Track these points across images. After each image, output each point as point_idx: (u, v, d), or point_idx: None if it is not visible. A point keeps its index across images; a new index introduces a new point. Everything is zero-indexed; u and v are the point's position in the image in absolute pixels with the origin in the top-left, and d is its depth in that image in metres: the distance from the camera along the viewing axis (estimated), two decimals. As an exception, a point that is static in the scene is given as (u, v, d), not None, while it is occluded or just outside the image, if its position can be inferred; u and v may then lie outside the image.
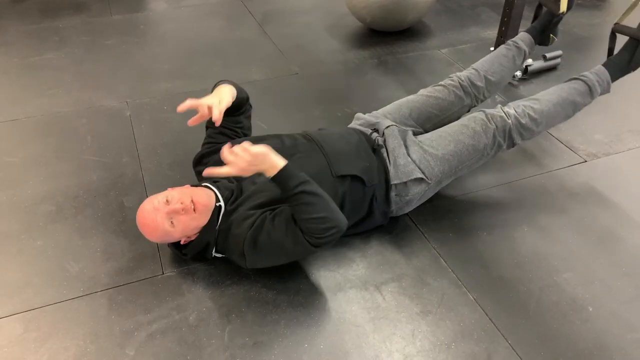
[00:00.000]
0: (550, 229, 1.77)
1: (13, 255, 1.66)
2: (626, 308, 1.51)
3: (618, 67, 1.93)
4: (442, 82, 1.98)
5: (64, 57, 2.81)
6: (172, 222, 1.46)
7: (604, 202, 1.89)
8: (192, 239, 1.53)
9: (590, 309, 1.51)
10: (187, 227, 1.48)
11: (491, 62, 2.05)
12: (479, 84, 1.97)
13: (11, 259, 1.65)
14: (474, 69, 2.02)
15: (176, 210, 1.44)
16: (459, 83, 1.96)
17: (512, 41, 2.12)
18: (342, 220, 1.42)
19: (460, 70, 2.71)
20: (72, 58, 2.80)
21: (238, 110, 1.73)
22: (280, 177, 1.39)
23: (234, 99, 1.60)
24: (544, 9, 2.16)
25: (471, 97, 1.96)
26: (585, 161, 2.09)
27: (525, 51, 2.10)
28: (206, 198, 1.51)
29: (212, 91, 1.61)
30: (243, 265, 1.51)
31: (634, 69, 1.93)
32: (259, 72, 2.70)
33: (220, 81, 1.64)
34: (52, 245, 1.69)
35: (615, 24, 1.97)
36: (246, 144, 1.36)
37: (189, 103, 1.46)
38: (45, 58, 2.80)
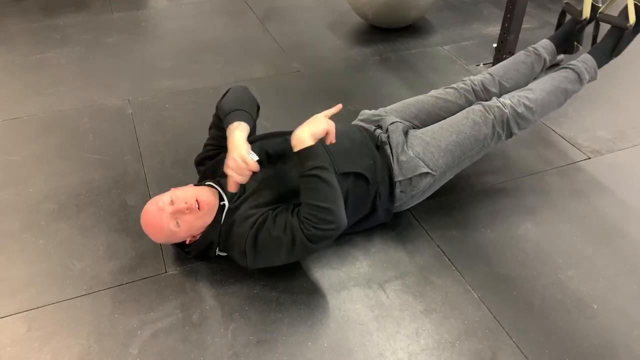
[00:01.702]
0: (554, 226, 1.77)
1: (15, 254, 1.66)
2: (631, 305, 1.51)
3: (603, 54, 1.97)
4: (454, 85, 1.95)
5: (65, 55, 2.81)
6: (177, 223, 1.45)
7: (608, 198, 1.88)
8: (197, 238, 1.52)
9: (595, 306, 1.50)
10: (193, 226, 1.48)
11: (507, 68, 2.01)
12: (492, 89, 1.94)
13: (13, 257, 1.64)
14: (489, 73, 1.98)
15: (181, 209, 1.44)
16: (472, 87, 1.93)
17: (533, 47, 2.06)
18: (343, 219, 1.41)
19: (463, 67, 2.72)
20: (73, 56, 2.80)
21: None
22: (304, 154, 1.43)
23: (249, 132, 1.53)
24: (568, 16, 2.14)
25: None
26: (589, 158, 2.08)
27: (545, 59, 2.05)
28: (211, 197, 1.50)
29: (223, 121, 1.55)
30: (244, 264, 1.51)
31: (617, 55, 1.99)
32: (261, 69, 2.69)
33: (232, 112, 1.54)
34: (55, 244, 1.69)
35: (600, 13, 2.02)
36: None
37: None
38: (47, 56, 2.79)
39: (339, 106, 1.54)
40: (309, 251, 1.45)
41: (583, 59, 1.94)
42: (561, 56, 2.68)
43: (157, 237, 1.49)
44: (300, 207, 1.43)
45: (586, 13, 2.04)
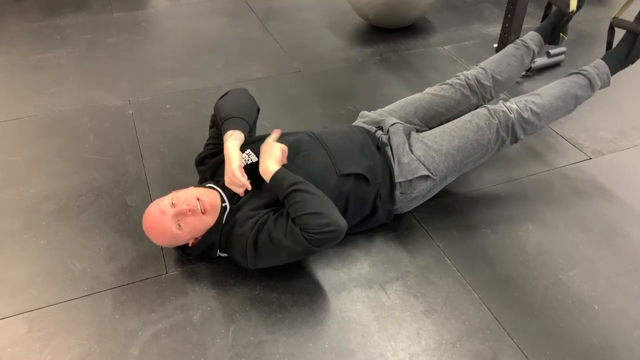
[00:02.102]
0: (555, 226, 1.76)
1: (16, 254, 1.66)
2: (632, 305, 1.51)
3: (617, 60, 1.94)
4: (448, 81, 1.96)
5: (65, 55, 2.80)
6: (179, 225, 1.45)
7: (609, 199, 1.88)
8: (199, 240, 1.52)
9: (596, 307, 1.50)
10: (195, 228, 1.47)
11: (499, 61, 2.03)
12: (486, 83, 1.96)
13: (14, 258, 1.64)
14: (481, 67, 2.00)
15: (183, 211, 1.44)
16: (466, 82, 1.94)
17: (521, 40, 2.09)
18: (340, 220, 1.39)
19: (463, 67, 2.71)
20: (73, 56, 2.79)
21: None
22: (275, 180, 1.44)
23: (243, 140, 1.56)
24: (554, 7, 2.15)
25: (478, 97, 1.95)
26: (590, 158, 2.08)
27: (534, 50, 2.08)
28: (212, 198, 1.50)
29: (221, 129, 1.59)
30: (244, 265, 1.51)
31: (632, 62, 1.95)
32: (261, 69, 2.68)
33: (228, 120, 1.57)
34: (56, 244, 1.69)
35: (614, 18, 1.99)
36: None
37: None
38: (47, 56, 2.79)
39: (278, 131, 1.57)
40: (312, 252, 1.45)
41: (596, 65, 1.92)
42: (562, 56, 2.69)
43: (160, 240, 1.49)
44: (294, 221, 1.41)
45: (573, 5, 2.04)
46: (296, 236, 1.38)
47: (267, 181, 1.46)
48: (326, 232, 1.36)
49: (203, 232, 1.50)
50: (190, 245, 1.54)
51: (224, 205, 1.52)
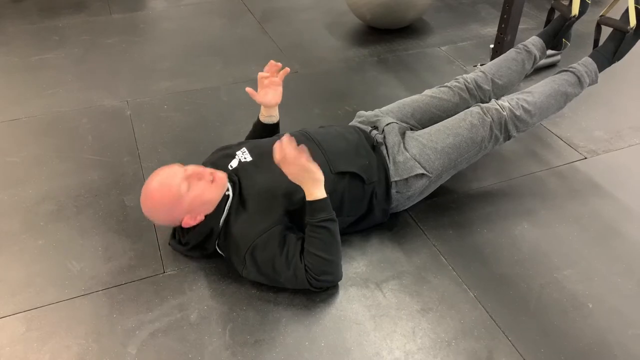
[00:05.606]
0: (550, 225, 1.78)
1: (14, 254, 1.66)
2: (627, 304, 1.52)
3: (604, 57, 1.97)
4: (447, 84, 1.97)
5: (64, 56, 2.81)
6: (188, 185, 1.44)
7: (604, 198, 1.89)
8: (197, 224, 1.51)
9: (591, 306, 1.51)
10: (201, 195, 1.46)
11: (499, 65, 2.04)
12: (485, 86, 1.96)
13: (13, 258, 1.65)
14: (481, 71, 2.01)
15: (196, 172, 1.46)
16: (465, 85, 1.95)
17: (523, 45, 2.09)
18: (340, 274, 1.51)
19: (460, 68, 2.73)
20: (72, 57, 2.80)
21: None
22: (316, 204, 1.46)
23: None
24: (557, 13, 2.16)
25: (476, 100, 1.95)
26: (586, 158, 2.09)
27: (535, 55, 2.08)
28: (223, 176, 1.51)
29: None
30: (239, 271, 1.51)
31: (619, 59, 1.97)
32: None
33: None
34: (54, 244, 1.70)
35: (601, 16, 2.02)
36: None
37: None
38: (45, 57, 2.80)
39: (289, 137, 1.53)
40: (307, 288, 1.49)
41: (584, 62, 1.94)
42: (558, 57, 2.70)
43: (160, 202, 1.45)
44: (304, 253, 1.45)
45: (575, 10, 2.05)
46: (299, 271, 1.44)
47: (307, 199, 1.46)
48: (324, 280, 1.47)
49: (204, 207, 1.48)
50: (183, 225, 1.51)
51: (227, 193, 1.52)
